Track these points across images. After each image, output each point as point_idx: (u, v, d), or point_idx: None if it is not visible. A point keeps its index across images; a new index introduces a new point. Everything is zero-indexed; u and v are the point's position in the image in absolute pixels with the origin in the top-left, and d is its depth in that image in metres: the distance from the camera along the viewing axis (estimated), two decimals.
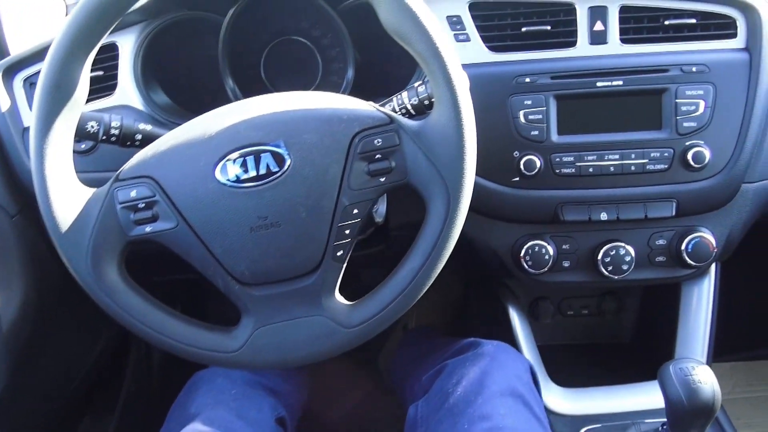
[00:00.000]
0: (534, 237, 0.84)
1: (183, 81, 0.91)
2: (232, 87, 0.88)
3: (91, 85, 0.83)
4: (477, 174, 0.82)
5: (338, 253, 0.61)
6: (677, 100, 0.78)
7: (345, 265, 0.62)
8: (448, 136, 0.58)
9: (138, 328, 0.61)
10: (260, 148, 0.58)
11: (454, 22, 0.82)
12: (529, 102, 0.79)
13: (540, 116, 0.79)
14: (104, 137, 0.70)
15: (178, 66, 0.90)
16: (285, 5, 0.88)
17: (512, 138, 0.80)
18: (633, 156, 0.79)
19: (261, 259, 0.60)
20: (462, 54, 0.82)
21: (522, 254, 0.83)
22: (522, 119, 0.80)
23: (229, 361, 0.62)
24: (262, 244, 0.59)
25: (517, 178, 0.81)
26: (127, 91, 0.84)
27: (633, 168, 0.79)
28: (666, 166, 0.79)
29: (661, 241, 0.84)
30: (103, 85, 0.84)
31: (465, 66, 0.81)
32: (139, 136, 0.72)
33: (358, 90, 0.90)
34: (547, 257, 0.83)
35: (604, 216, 0.81)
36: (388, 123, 0.60)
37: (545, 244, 0.83)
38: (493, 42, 0.82)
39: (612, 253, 0.82)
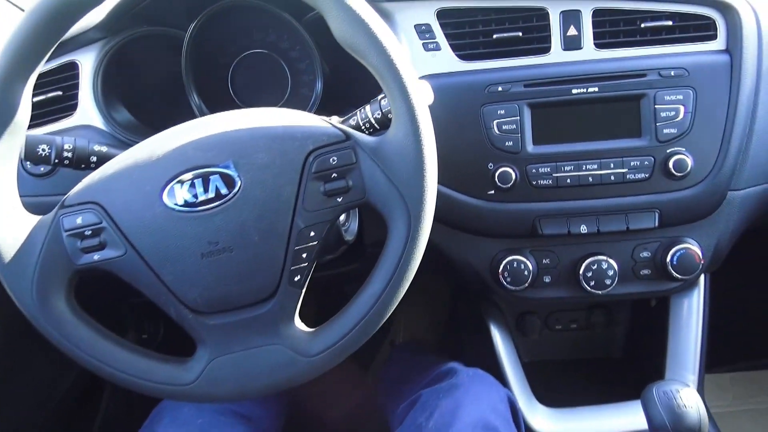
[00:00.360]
0: (512, 252, 0.81)
1: (148, 99, 0.88)
2: (198, 104, 0.85)
3: (50, 106, 0.82)
4: (450, 187, 0.80)
5: (296, 278, 0.57)
6: (656, 106, 0.74)
7: (304, 290, 0.59)
8: (406, 153, 0.55)
9: (86, 361, 0.58)
10: (209, 170, 0.55)
11: (423, 31, 0.79)
12: (502, 111, 0.76)
13: (514, 126, 0.76)
14: (57, 160, 0.68)
15: (143, 83, 0.88)
16: (250, 19, 0.85)
17: (486, 149, 0.77)
18: (612, 165, 0.76)
19: (214, 286, 0.57)
20: (432, 64, 0.79)
21: (500, 270, 0.80)
22: (495, 130, 0.76)
23: (183, 395, 0.59)
24: (215, 270, 0.56)
25: (493, 191, 0.78)
26: (88, 111, 0.81)
27: (612, 178, 0.76)
28: (647, 175, 0.75)
29: (645, 254, 0.80)
30: (63, 105, 0.81)
31: (435, 76, 0.79)
32: (94, 158, 0.69)
33: (328, 103, 0.87)
34: (526, 273, 0.79)
35: (584, 229, 0.77)
36: (343, 140, 0.57)
37: (524, 259, 0.79)
38: (464, 50, 0.79)
39: (594, 267, 0.79)
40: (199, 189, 0.55)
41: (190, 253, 0.56)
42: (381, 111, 0.66)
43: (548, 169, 0.76)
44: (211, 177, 0.55)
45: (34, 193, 0.78)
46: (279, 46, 0.89)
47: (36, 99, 0.81)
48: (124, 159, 0.58)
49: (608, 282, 0.79)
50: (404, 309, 1.28)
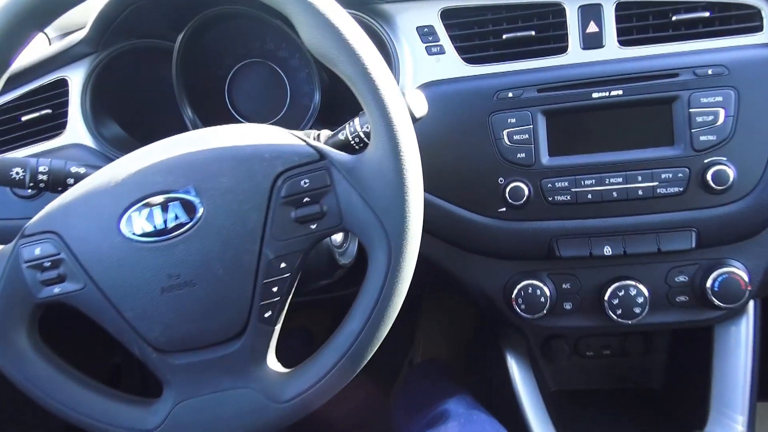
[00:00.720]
0: (528, 275, 0.72)
1: (141, 114, 0.84)
2: (191, 117, 0.81)
3: (39, 125, 0.79)
4: (457, 204, 0.73)
5: (266, 315, 0.51)
6: (691, 110, 0.65)
7: (278, 326, 0.53)
8: (385, 174, 0.49)
9: (46, 403, 0.54)
10: (168, 196, 0.50)
11: (426, 33, 0.72)
12: (513, 120, 0.68)
13: (526, 136, 0.68)
14: (32, 184, 0.64)
15: (135, 98, 0.84)
16: (246, 27, 0.81)
17: (496, 162, 0.69)
18: (640, 178, 0.66)
19: (176, 323, 0.51)
20: (435, 69, 0.72)
21: (514, 296, 0.72)
22: (506, 140, 0.68)
23: None
24: (176, 306, 0.51)
25: (504, 209, 0.70)
26: (77, 129, 0.78)
27: (640, 192, 0.66)
28: (681, 189, 0.66)
29: (681, 278, 0.70)
30: (53, 123, 0.78)
31: (439, 83, 0.71)
32: (71, 181, 0.65)
33: (329, 113, 0.81)
34: (543, 299, 0.71)
35: (608, 250, 0.68)
36: (317, 160, 0.51)
37: (540, 284, 0.71)
38: (471, 53, 0.72)
39: (621, 294, 0.69)
40: (158, 217, 0.50)
41: (150, 287, 0.51)
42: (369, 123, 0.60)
43: (566, 184, 0.68)
44: (171, 204, 0.50)
45: (22, 215, 0.76)
46: (277, 55, 0.84)
47: (26, 118, 0.78)
48: (85, 184, 0.54)
49: (637, 310, 0.69)
50: (425, 327, 1.21)
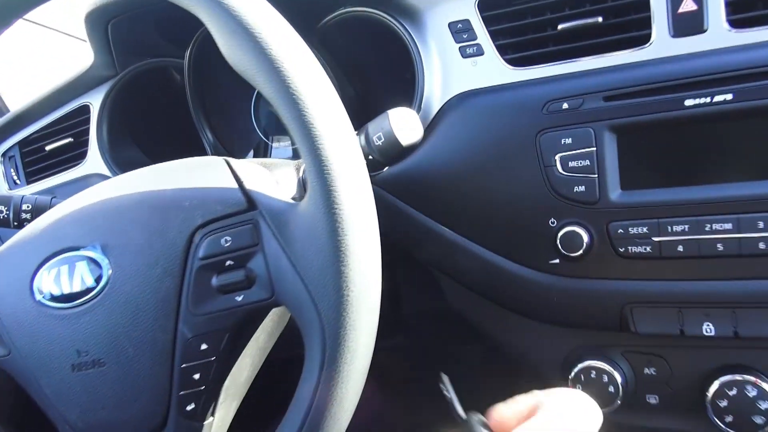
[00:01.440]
0: (593, 352, 0.53)
1: (162, 137, 0.78)
2: (212, 142, 0.73)
3: (62, 154, 0.76)
4: (498, 252, 0.56)
5: (189, 408, 0.40)
6: None
7: (212, 421, 0.41)
8: (317, 236, 0.35)
9: None
10: (75, 253, 0.41)
11: (460, 30, 0.56)
12: (570, 140, 0.50)
13: (588, 162, 0.49)
14: (16, 223, 0.60)
15: (155, 121, 0.78)
16: None
17: (545, 198, 0.51)
18: (761, 225, 0.44)
19: (91, 408, 0.42)
20: (471, 76, 0.56)
21: (571, 376, 0.53)
22: (559, 168, 0.50)
23: None
24: (89, 388, 0.42)
25: (557, 260, 0.51)
26: (97, 157, 0.73)
27: (762, 246, 0.44)
28: None
29: None
30: (75, 153, 0.75)
31: (475, 93, 0.55)
32: None
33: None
34: (612, 388, 0.51)
35: (709, 329, 0.47)
36: (243, 210, 0.38)
37: (609, 368, 0.51)
38: (515, 52, 0.54)
39: (732, 393, 0.47)
40: (64, 279, 0.41)
41: (61, 363, 0.42)
42: None
43: (645, 230, 0.48)
44: (78, 263, 0.41)
45: None
46: None
47: (49, 147, 0.76)
48: (18, 234, 0.47)
49: (759, 420, 0.46)
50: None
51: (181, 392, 0.40)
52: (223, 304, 0.38)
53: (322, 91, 0.35)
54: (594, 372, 0.51)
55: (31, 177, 0.77)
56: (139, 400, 0.40)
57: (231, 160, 0.45)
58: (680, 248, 0.47)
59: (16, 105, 0.93)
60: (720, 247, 0.45)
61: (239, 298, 0.38)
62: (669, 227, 0.47)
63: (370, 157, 0.45)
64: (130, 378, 0.40)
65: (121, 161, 0.73)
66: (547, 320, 0.55)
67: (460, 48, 0.56)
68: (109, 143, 0.72)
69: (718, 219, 0.45)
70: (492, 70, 0.55)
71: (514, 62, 0.54)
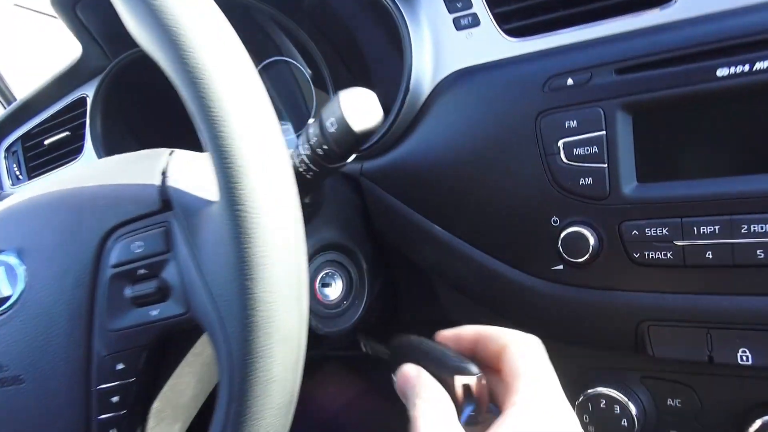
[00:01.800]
0: (605, 377, 0.44)
1: (159, 129, 0.75)
2: None
3: (61, 148, 0.74)
4: (495, 256, 0.48)
5: None
6: None
7: None
8: (224, 242, 0.29)
9: None
10: None
11: None
12: (575, 123, 0.41)
13: (596, 149, 0.41)
14: None
15: (151, 113, 0.74)
16: (251, 23, 0.65)
17: (546, 192, 0.43)
18: None
19: (12, 428, 0.38)
20: (465, 50, 0.48)
21: (577, 403, 0.44)
22: (563, 156, 0.42)
23: None
24: (9, 407, 0.38)
25: (561, 266, 0.43)
26: (92, 151, 0.71)
27: None
28: None
29: None
30: (73, 146, 0.72)
31: (469, 71, 0.47)
32: None
33: None
34: (625, 422, 0.42)
35: (744, 357, 0.37)
36: (157, 210, 0.33)
37: (622, 397, 0.42)
38: (513, 21, 0.46)
39: None
40: None
41: None
42: (308, 142, 0.40)
43: (665, 231, 0.39)
44: None
45: None
46: (306, 48, 0.67)
47: (48, 141, 0.74)
48: None
49: None
50: None
51: (100, 417, 0.35)
52: (138, 318, 0.33)
53: (231, 66, 0.29)
54: (604, 401, 0.43)
55: (32, 172, 0.76)
56: (57, 423, 0.36)
57: (180, 152, 0.40)
58: (709, 255, 0.37)
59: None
60: (760, 254, 0.36)
61: (154, 313, 0.33)
62: (695, 229, 0.38)
63: (325, 147, 0.39)
64: (47, 399, 0.36)
65: (116, 154, 0.70)
66: (550, 335, 0.47)
67: (453, 19, 0.49)
68: (104, 136, 0.70)
69: (757, 219, 0.36)
70: (488, 42, 0.47)
71: (514, 32, 0.46)
